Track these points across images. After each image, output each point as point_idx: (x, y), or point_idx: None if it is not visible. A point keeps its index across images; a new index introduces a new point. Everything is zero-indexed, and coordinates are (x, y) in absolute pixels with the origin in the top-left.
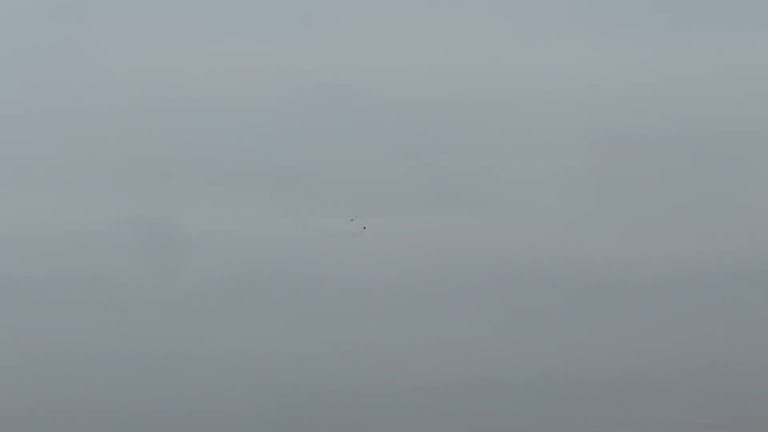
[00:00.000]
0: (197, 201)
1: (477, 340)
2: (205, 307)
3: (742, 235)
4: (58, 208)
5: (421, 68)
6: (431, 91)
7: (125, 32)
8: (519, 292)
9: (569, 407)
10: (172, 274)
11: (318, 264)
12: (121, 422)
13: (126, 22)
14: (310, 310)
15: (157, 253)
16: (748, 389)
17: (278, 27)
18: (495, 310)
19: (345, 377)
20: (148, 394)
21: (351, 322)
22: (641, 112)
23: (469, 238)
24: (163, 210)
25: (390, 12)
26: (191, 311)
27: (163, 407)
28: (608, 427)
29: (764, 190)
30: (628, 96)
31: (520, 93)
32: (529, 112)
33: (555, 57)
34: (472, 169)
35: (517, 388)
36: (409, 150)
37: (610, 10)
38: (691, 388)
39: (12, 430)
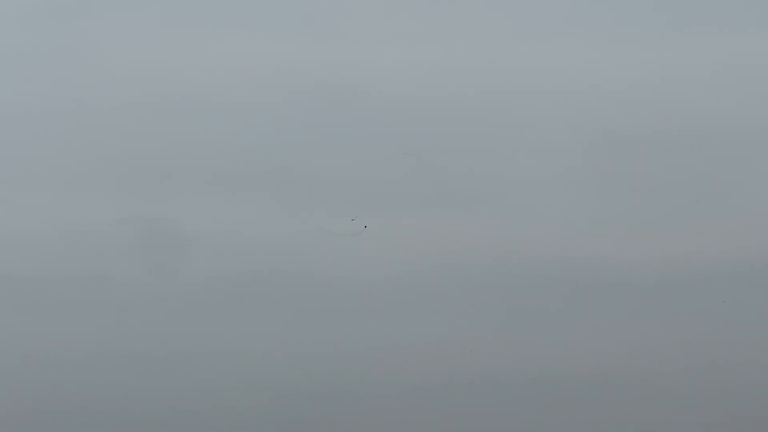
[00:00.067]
0: (197, 201)
1: (477, 340)
2: (205, 307)
3: (742, 235)
4: (58, 208)
5: (421, 68)
6: (431, 91)
7: (125, 32)
8: (519, 292)
9: (569, 407)
10: (172, 274)
11: (318, 264)
12: (121, 422)
13: (126, 22)
14: (310, 310)
15: (157, 253)
16: (748, 389)
17: (278, 27)
18: (495, 310)
19: (345, 377)
20: (148, 394)
21: (351, 322)
22: (641, 112)
23: (469, 238)
24: (163, 210)
25: (390, 12)
26: (191, 311)
27: (163, 407)
28: (608, 427)
29: (764, 190)
30: (628, 96)
31: (520, 93)
32: (529, 112)
33: (555, 57)
34: (472, 169)
35: (517, 388)
36: (409, 150)
37: (610, 10)
38: (691, 388)
39: (12, 430)
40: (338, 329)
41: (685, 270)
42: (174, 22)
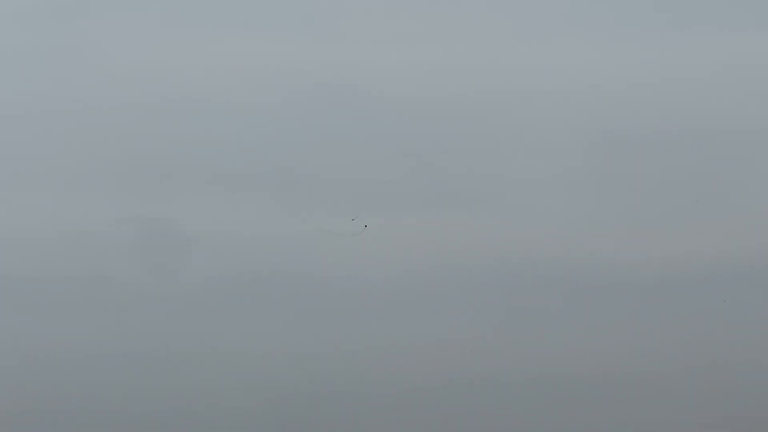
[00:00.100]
0: (197, 201)
1: (477, 340)
2: (205, 307)
3: (742, 235)
4: (58, 208)
5: (421, 68)
6: (431, 91)
7: (125, 32)
8: (519, 292)
9: (569, 407)
10: (172, 274)
11: (318, 264)
12: (121, 422)
13: (126, 22)
14: (310, 310)
15: (157, 253)
16: (748, 389)
17: (278, 27)
18: (495, 310)
19: (345, 377)
20: (148, 393)
21: (351, 322)
22: (641, 112)
23: (469, 238)
24: (163, 210)
25: (390, 12)
26: (191, 311)
27: (164, 407)
28: (608, 427)
29: (764, 190)
30: (628, 96)
31: (520, 93)
32: (529, 112)
33: (555, 57)
34: (472, 169)
35: (517, 388)
36: (409, 150)
37: (610, 10)
38: (691, 388)
39: (12, 430)
40: (338, 329)
41: (685, 270)
42: (174, 22)
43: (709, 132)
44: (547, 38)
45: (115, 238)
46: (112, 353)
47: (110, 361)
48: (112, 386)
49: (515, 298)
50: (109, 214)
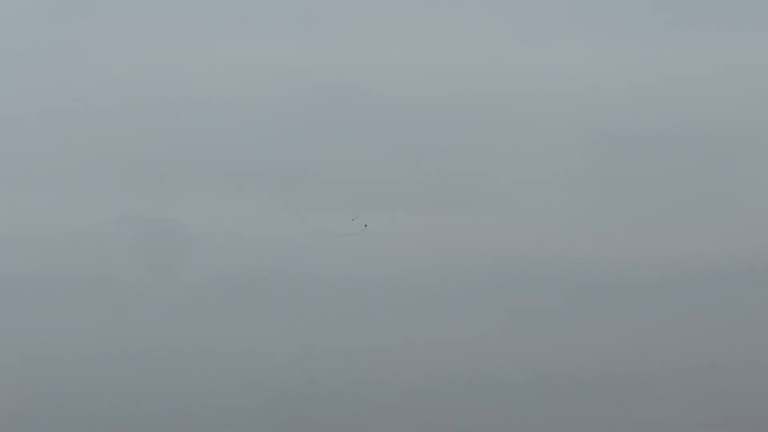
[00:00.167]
0: (197, 201)
1: (477, 340)
2: (205, 307)
3: (742, 235)
4: (58, 208)
5: (421, 68)
6: (431, 91)
7: (125, 32)
8: (519, 292)
9: (569, 407)
10: (172, 274)
11: (318, 264)
12: (122, 422)
13: (126, 22)
14: (310, 310)
15: (157, 253)
16: (748, 389)
17: (278, 27)
18: (495, 310)
19: (345, 377)
20: (148, 393)
21: (351, 322)
22: (641, 112)
23: (469, 237)
24: (163, 210)
25: (390, 12)
26: (191, 311)
27: (164, 407)
28: (608, 427)
29: (764, 190)
30: (628, 96)
31: (520, 93)
32: (529, 112)
33: (555, 57)
34: (472, 169)
35: (517, 388)
36: (409, 150)
37: (610, 10)
38: (691, 388)
39: (12, 430)
40: (338, 329)
41: (685, 270)
42: (174, 22)
43: (709, 132)
44: (547, 38)
45: (115, 238)
46: (112, 353)
47: (110, 361)
48: (112, 386)
49: (515, 298)
50: (109, 214)
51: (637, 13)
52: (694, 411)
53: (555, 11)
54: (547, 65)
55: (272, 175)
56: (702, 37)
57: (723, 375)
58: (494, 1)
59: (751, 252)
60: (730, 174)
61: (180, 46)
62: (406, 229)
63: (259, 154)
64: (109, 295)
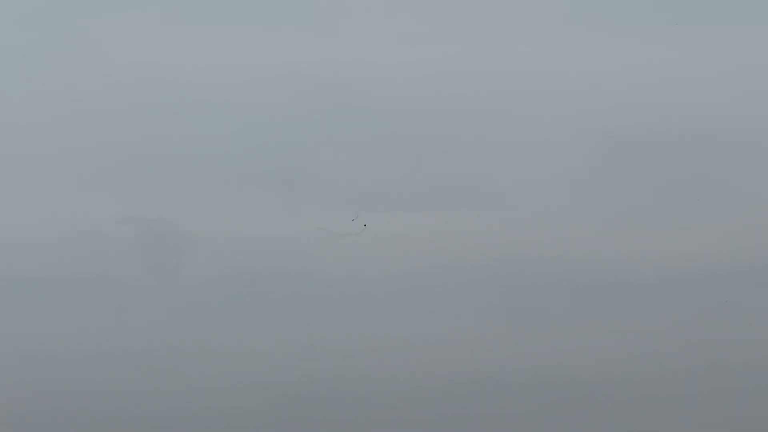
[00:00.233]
0: (197, 201)
1: (478, 339)
2: (205, 307)
3: (742, 235)
4: (58, 208)
5: (421, 68)
6: (431, 91)
7: (125, 32)
8: (519, 292)
9: (569, 407)
10: (172, 274)
11: (318, 264)
12: (121, 422)
13: (126, 22)
14: (310, 310)
15: (157, 253)
16: (748, 389)
17: (278, 27)
18: (495, 310)
19: (345, 377)
20: (148, 393)
21: (351, 322)
22: (641, 112)
23: (469, 238)
24: (163, 210)
25: (390, 12)
26: (191, 311)
27: (163, 407)
28: (608, 427)
29: (764, 190)
30: (628, 96)
31: (520, 93)
32: (529, 112)
33: (555, 57)
34: (472, 169)
35: (517, 388)
36: (409, 150)
37: (610, 9)
38: (691, 388)
39: (12, 430)
40: (338, 329)
41: (685, 270)
42: (174, 22)
43: (709, 132)
44: (546, 38)
45: (115, 238)
46: (112, 353)
47: (110, 361)
48: (112, 386)
49: (515, 298)
50: (109, 214)
51: (637, 13)
52: (694, 411)
53: (555, 11)
54: (547, 65)
55: (272, 175)
56: (702, 37)
57: (723, 375)
58: (494, 1)
59: (752, 252)
60: (730, 174)
61: (180, 46)
62: (406, 229)
63: (259, 154)
64: (109, 295)
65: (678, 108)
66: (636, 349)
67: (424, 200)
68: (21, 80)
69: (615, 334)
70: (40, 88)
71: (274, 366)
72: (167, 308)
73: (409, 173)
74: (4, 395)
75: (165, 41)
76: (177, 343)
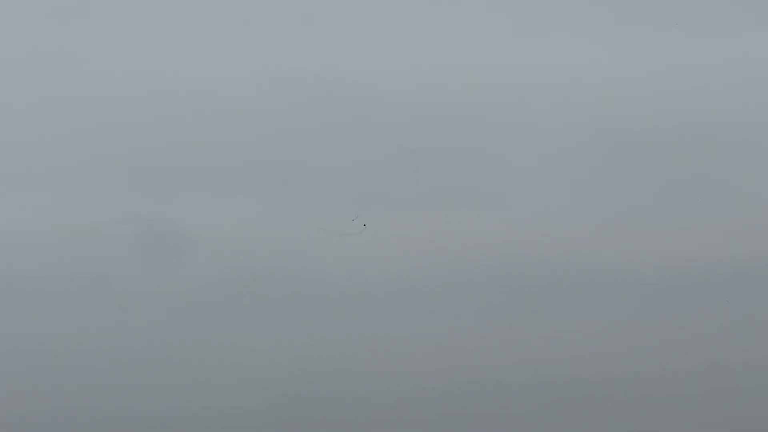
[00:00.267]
0: (197, 201)
1: (478, 339)
2: (205, 307)
3: (742, 235)
4: (58, 207)
5: (421, 68)
6: (431, 91)
7: (125, 32)
8: (520, 292)
9: (569, 407)
10: (173, 274)
11: (318, 264)
12: (121, 422)
13: (126, 22)
14: (311, 310)
15: (158, 253)
16: (748, 389)
17: (278, 27)
18: (496, 310)
19: (345, 377)
20: (148, 393)
21: (351, 322)
22: (641, 112)
23: (469, 238)
24: (163, 210)
25: (390, 12)
26: (191, 311)
27: (164, 406)
28: (608, 427)
29: (764, 190)
30: (628, 96)
31: (520, 93)
32: (529, 112)
33: (555, 57)
34: (472, 169)
35: (517, 388)
36: (409, 150)
37: (610, 10)
38: (691, 388)
39: (12, 430)
40: (338, 329)
41: (685, 270)
42: (174, 22)
43: (709, 132)
44: (547, 38)
45: (115, 238)
46: (112, 353)
47: (110, 361)
48: (112, 386)
49: (516, 298)
50: (109, 214)
51: (637, 13)
52: (694, 411)
53: (555, 12)
54: (547, 65)
55: (272, 175)
56: (702, 37)
57: (723, 375)
58: (494, 1)
59: (751, 252)
60: (730, 174)
61: (180, 46)
62: (405, 229)
63: (259, 154)
64: (109, 295)
65: (678, 108)
66: (636, 349)
67: (424, 200)
68: (21, 80)
69: (615, 334)
70: (40, 88)
71: (274, 366)
72: (167, 308)
73: (409, 173)
74: (4, 395)
75: (165, 41)
76: (177, 343)
